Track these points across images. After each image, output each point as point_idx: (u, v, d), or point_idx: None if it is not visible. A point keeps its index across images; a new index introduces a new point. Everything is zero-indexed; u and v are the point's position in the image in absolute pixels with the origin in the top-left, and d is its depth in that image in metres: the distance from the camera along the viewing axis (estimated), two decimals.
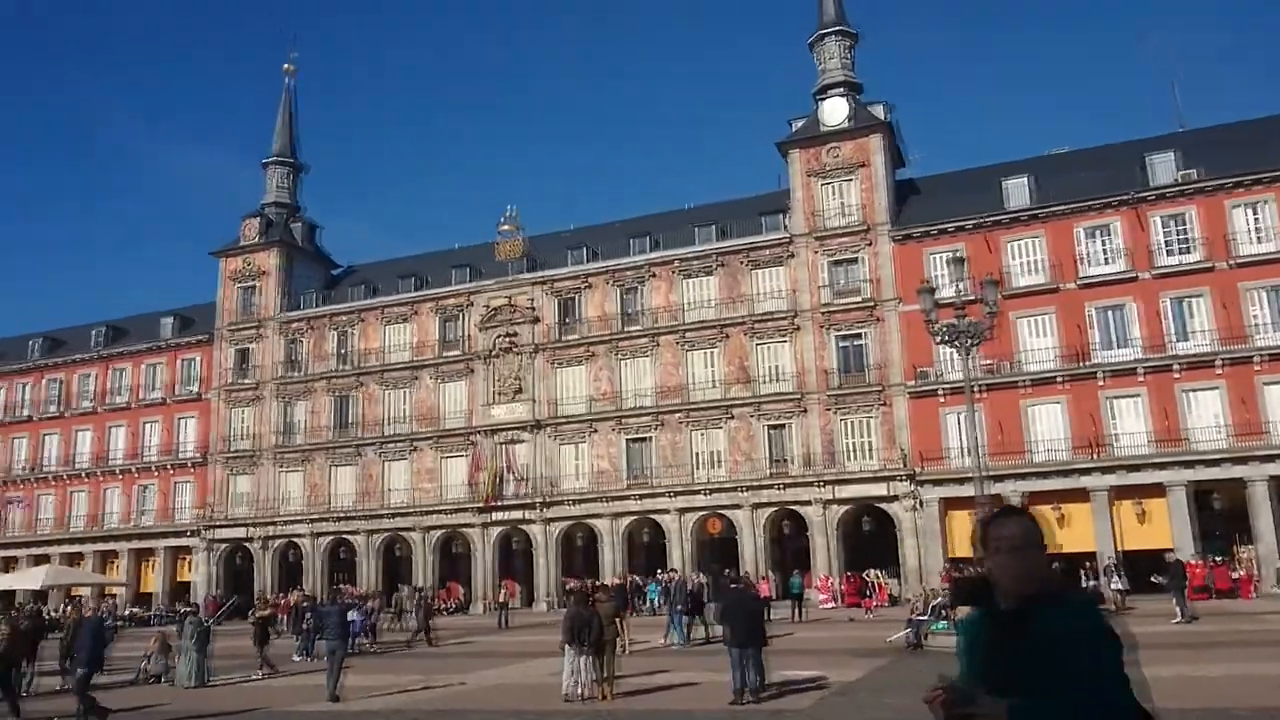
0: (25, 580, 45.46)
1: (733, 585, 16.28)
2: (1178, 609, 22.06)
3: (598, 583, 27.17)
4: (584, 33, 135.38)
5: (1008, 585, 2.88)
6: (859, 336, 40.15)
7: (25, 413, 56.91)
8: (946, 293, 38.88)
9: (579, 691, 13.07)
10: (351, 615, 21.86)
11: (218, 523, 49.60)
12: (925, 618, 18.05)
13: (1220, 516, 34.91)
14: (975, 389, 37.95)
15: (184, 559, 51.57)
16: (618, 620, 13.52)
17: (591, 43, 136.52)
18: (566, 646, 13.12)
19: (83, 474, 54.16)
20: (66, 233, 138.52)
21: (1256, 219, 35.85)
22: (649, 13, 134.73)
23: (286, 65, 57.27)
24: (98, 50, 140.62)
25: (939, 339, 20.06)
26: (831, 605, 34.49)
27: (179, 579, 51.49)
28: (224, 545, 49.75)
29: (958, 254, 22.17)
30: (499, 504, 43.89)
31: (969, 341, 19.23)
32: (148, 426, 53.32)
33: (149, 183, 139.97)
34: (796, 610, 29.00)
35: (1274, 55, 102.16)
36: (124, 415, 54.00)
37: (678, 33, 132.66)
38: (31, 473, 55.56)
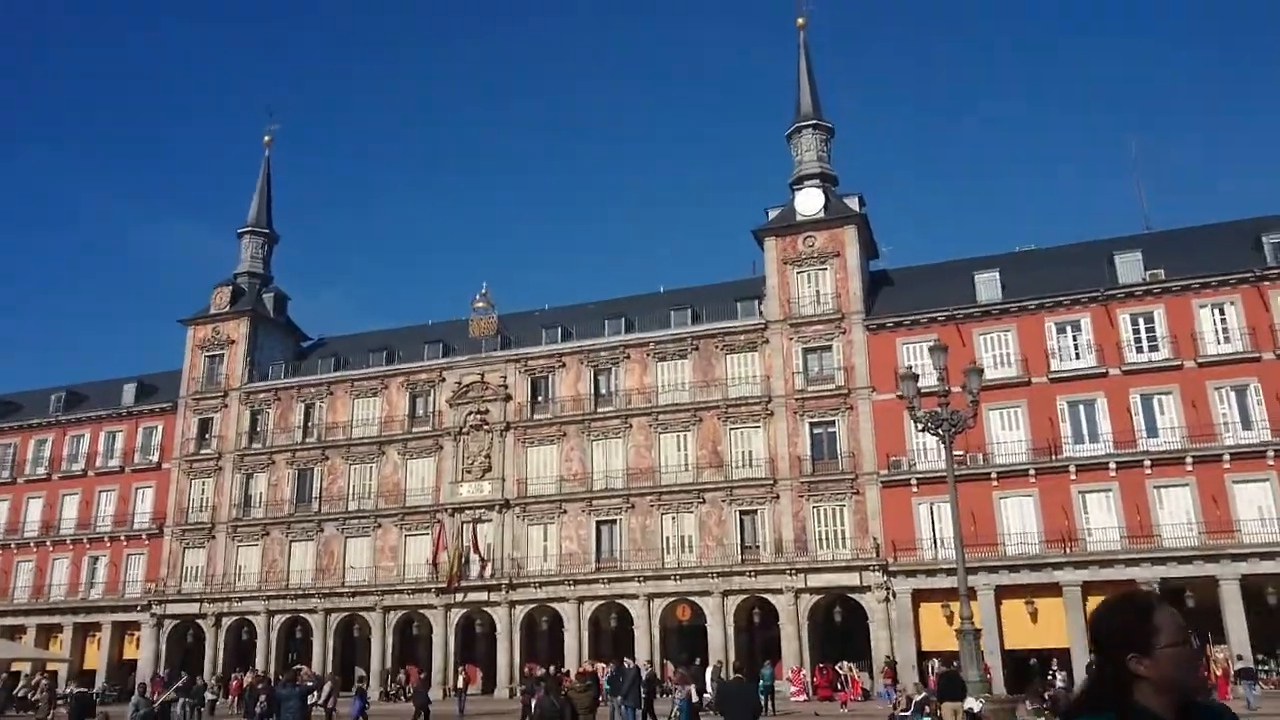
0: None
1: (735, 675, 15.70)
2: None
3: (576, 669, 26.29)
4: (564, 114, 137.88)
5: (1191, 683, 2.54)
6: (832, 424, 40.14)
7: None
8: (922, 381, 39.50)
9: None
10: (311, 699, 20.92)
11: (169, 598, 47.88)
12: (908, 714, 17.56)
13: (1192, 615, 34.69)
14: (946, 480, 38.16)
15: (131, 635, 49.60)
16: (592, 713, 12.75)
17: (571, 125, 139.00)
18: None
19: (30, 543, 52.29)
20: (30, 296, 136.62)
21: (1223, 319, 36.57)
22: (628, 96, 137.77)
23: (265, 137, 57.57)
24: (67, 119, 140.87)
25: (921, 426, 19.93)
26: (803, 698, 33.72)
27: (124, 656, 49.42)
28: (174, 621, 47.96)
29: (936, 343, 22.18)
30: (462, 585, 42.81)
31: (951, 430, 19.12)
32: (102, 495, 51.79)
33: (117, 250, 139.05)
34: (768, 703, 28.20)
35: (1237, 160, 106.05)
36: (78, 483, 52.46)
37: (655, 119, 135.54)
38: None
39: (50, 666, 46.45)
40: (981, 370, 20.84)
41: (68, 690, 27.56)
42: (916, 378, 20.96)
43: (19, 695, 40.87)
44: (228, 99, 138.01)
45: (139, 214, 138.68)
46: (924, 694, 17.98)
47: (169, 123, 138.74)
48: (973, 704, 16.12)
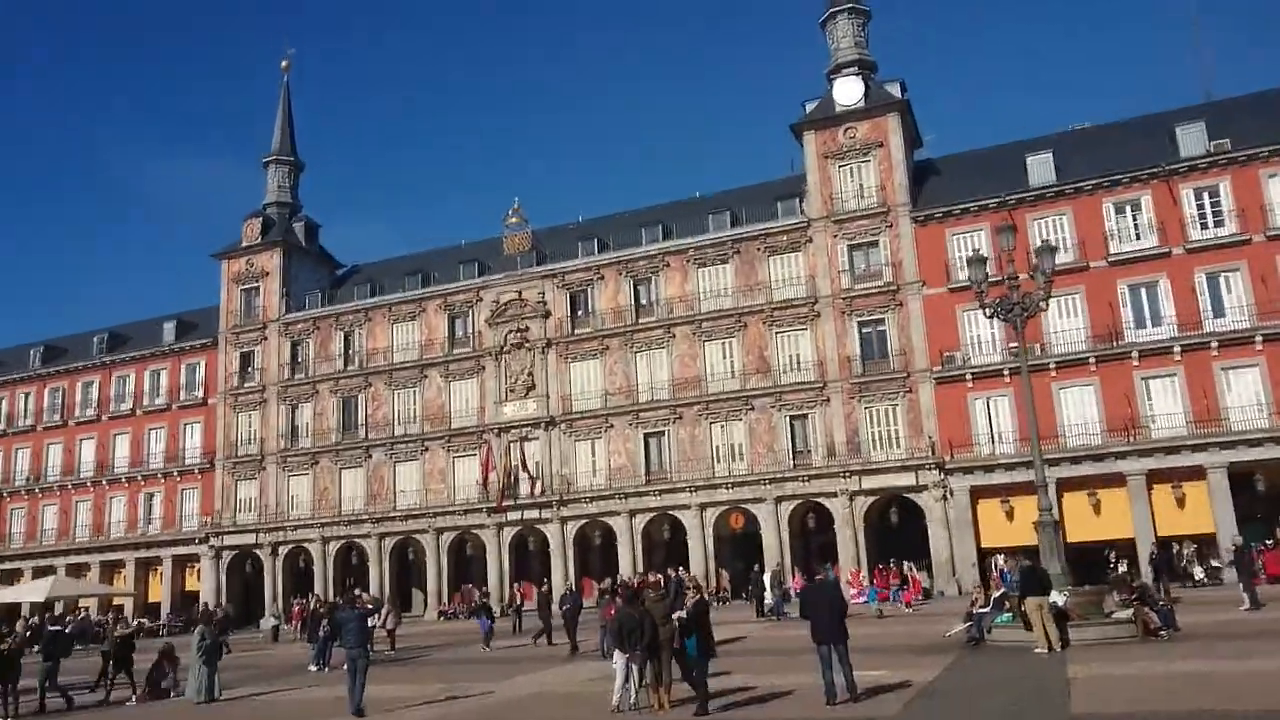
0: (29, 593, 44.55)
1: (816, 577, 15.00)
2: (1245, 596, 20.81)
3: (649, 577, 25.84)
4: (589, 20, 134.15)
5: None
6: (881, 322, 38.93)
7: (28, 422, 55.85)
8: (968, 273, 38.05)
9: (632, 701, 11.85)
10: (371, 622, 20.71)
11: (225, 529, 48.46)
12: (986, 610, 16.86)
13: (1262, 499, 33.64)
14: (1003, 373, 37.03)
15: (191, 568, 50.44)
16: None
17: (597, 30, 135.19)
18: (616, 652, 11.89)
19: (86, 483, 53.05)
20: (65, 242, 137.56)
21: None
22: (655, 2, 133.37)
23: (283, 62, 56.14)
24: (88, 58, 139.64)
25: (990, 313, 18.81)
26: (862, 600, 33.20)
27: (186, 588, 50.35)
28: (232, 553, 48.62)
29: (1004, 224, 20.84)
30: (512, 504, 42.70)
31: (1023, 314, 18.00)
32: (152, 433, 52.20)
33: (148, 188, 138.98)
34: None
35: None
36: (127, 423, 52.90)
37: (684, 19, 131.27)
38: (35, 483, 54.45)
39: (116, 601, 47.61)
40: (1054, 248, 19.56)
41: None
42: (985, 260, 19.69)
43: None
44: (242, 23, 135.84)
45: (165, 150, 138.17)
46: (1002, 589, 17.24)
47: (184, 54, 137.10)
48: (1057, 598, 15.36)
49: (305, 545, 47.08)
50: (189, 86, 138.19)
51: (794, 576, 34.32)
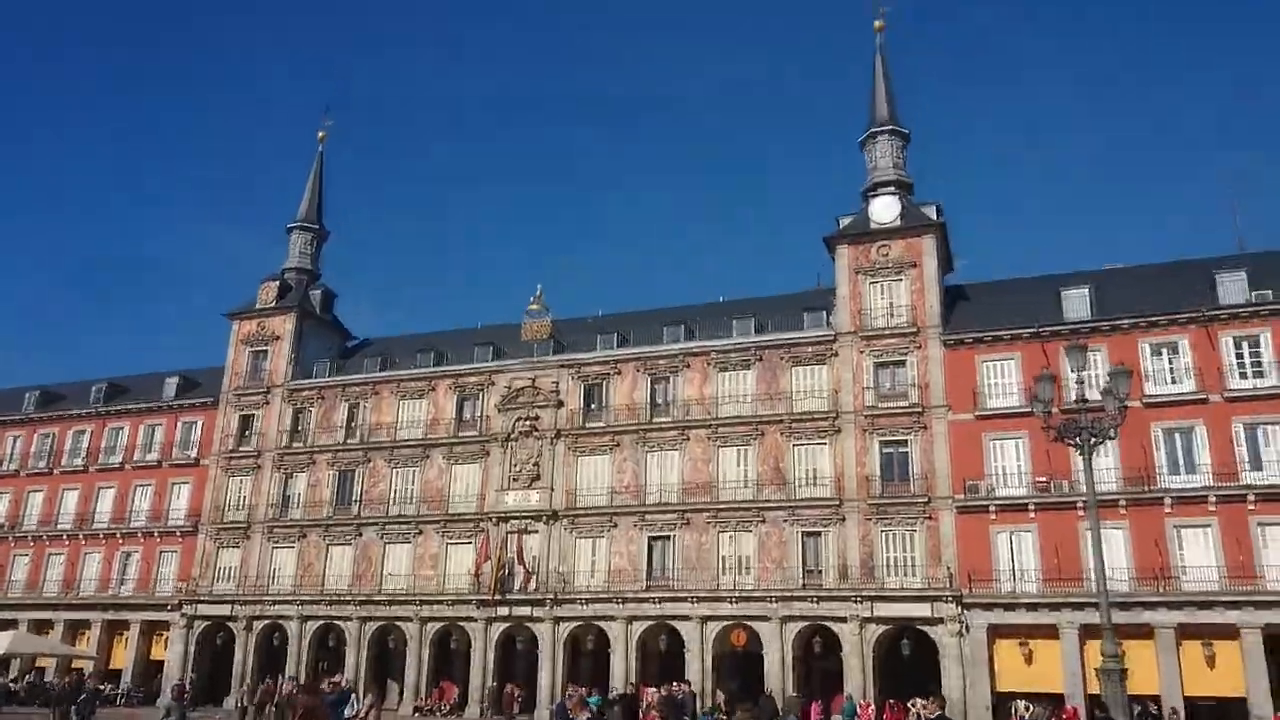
0: None
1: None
2: None
3: (666, 688, 24.01)
4: (624, 118, 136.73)
5: None
6: (904, 444, 37.76)
7: (11, 467, 54.16)
8: (1002, 401, 37.11)
9: None
10: (349, 710, 19.04)
11: (201, 598, 46.28)
12: None
13: None
14: (1028, 507, 35.69)
15: (159, 635, 47.99)
16: None
17: (631, 128, 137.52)
18: None
19: (63, 535, 51.06)
20: (77, 293, 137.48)
21: None
22: (690, 103, 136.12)
23: (320, 132, 56.49)
24: (114, 122, 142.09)
25: (1054, 436, 17.67)
26: None
27: (152, 657, 47.84)
28: (204, 623, 46.33)
29: (1072, 344, 19.85)
30: (505, 598, 40.76)
31: (1090, 440, 16.89)
32: (138, 490, 50.46)
33: (164, 248, 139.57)
34: None
35: None
36: (114, 476, 51.24)
37: (715, 127, 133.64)
38: (9, 531, 52.43)
39: (76, 664, 45.23)
40: (1130, 372, 18.51)
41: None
42: (1053, 379, 18.65)
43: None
44: (274, 95, 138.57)
45: (184, 215, 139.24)
46: None
47: (214, 122, 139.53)
48: None
49: (282, 622, 44.86)
50: (213, 151, 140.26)
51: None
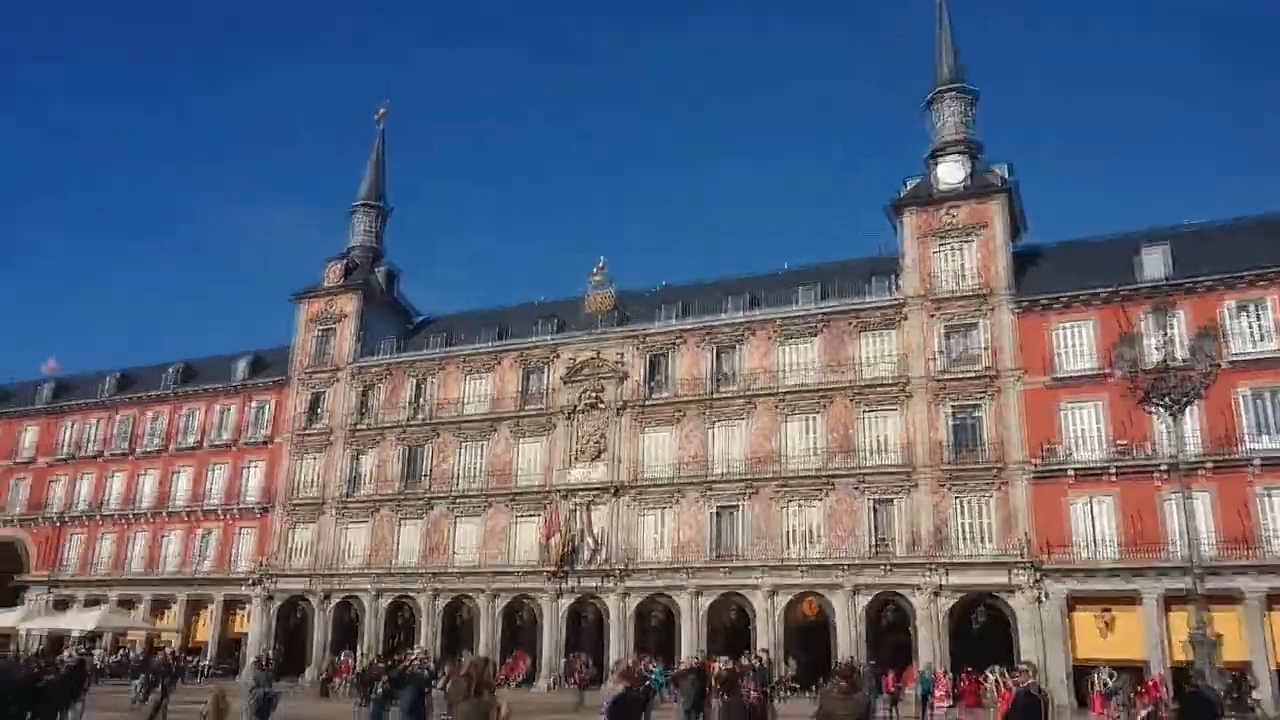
0: (78, 622, 43.90)
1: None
2: None
3: (746, 657, 23.82)
4: (686, 89, 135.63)
5: None
6: (975, 409, 37.00)
7: (94, 449, 55.83)
8: (1076, 365, 36.13)
9: None
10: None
11: (278, 573, 47.37)
12: None
13: None
14: (1108, 472, 34.75)
15: (239, 611, 49.28)
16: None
17: (692, 98, 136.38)
18: None
19: (145, 515, 52.58)
20: (150, 279, 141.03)
21: None
22: (748, 73, 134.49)
23: (379, 111, 56.89)
24: (174, 107, 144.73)
25: (1140, 398, 17.04)
26: (949, 704, 30.82)
27: (233, 631, 49.18)
28: (281, 598, 47.43)
29: (1159, 303, 19.11)
30: (573, 570, 40.96)
31: (1180, 401, 16.26)
32: (214, 470, 51.72)
33: (231, 231, 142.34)
34: (924, 711, 25.56)
35: None
36: (190, 457, 52.55)
37: (776, 96, 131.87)
38: (95, 511, 54.14)
39: (164, 638, 46.76)
40: (1215, 331, 17.79)
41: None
42: (1137, 339, 18.06)
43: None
44: (336, 77, 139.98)
45: (251, 196, 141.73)
46: (1148, 709, 15.22)
47: (279, 112, 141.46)
48: None
49: (357, 596, 45.74)
50: (281, 135, 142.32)
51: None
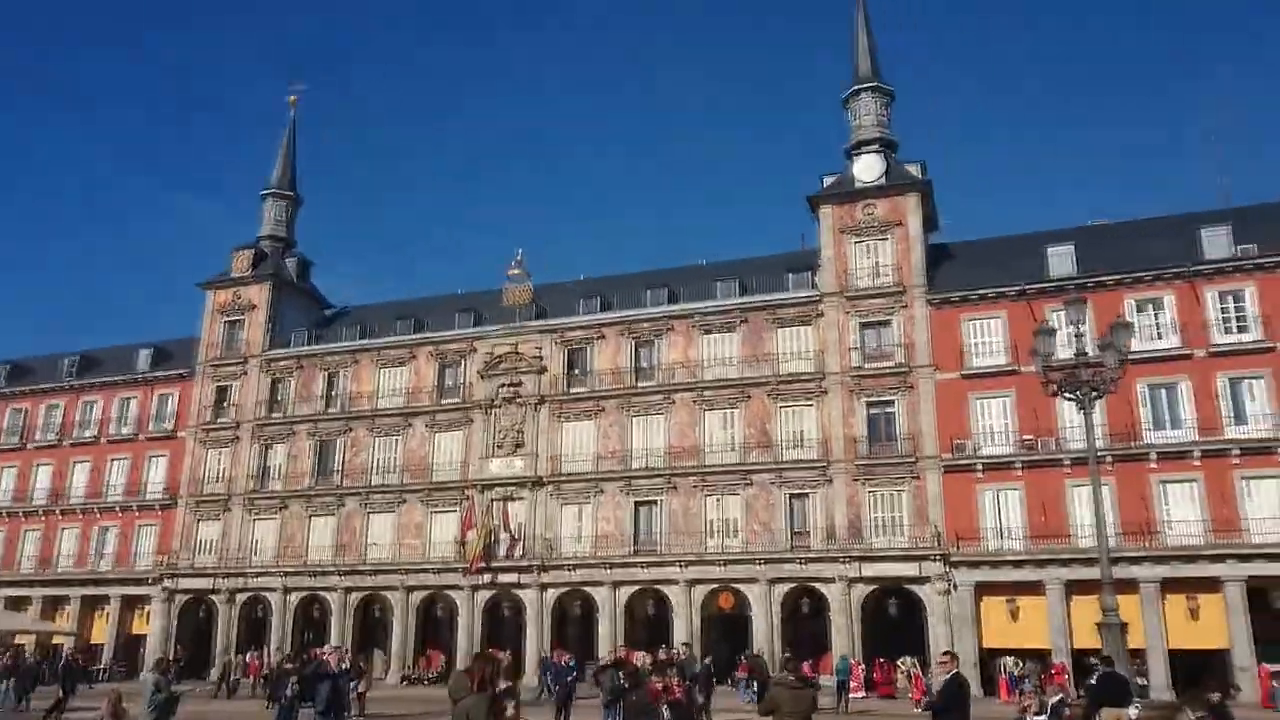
0: None
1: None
2: None
3: (665, 651, 23.75)
4: (603, 78, 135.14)
5: None
6: (890, 404, 37.67)
7: None
8: (987, 360, 37.01)
9: None
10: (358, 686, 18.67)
11: (181, 571, 45.75)
12: (1041, 718, 15.14)
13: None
14: (1015, 465, 35.73)
15: (140, 610, 47.47)
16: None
17: (610, 89, 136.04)
18: None
19: (39, 511, 50.25)
20: (46, 266, 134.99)
21: None
22: (669, 63, 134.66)
23: (290, 97, 55.32)
24: (73, 86, 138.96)
25: (1054, 390, 17.46)
26: (862, 694, 31.32)
27: (133, 631, 47.34)
28: (185, 596, 45.84)
29: (1073, 299, 19.55)
30: (490, 565, 40.49)
31: (1092, 394, 16.70)
32: (114, 464, 49.67)
33: (134, 217, 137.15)
34: (841, 699, 25.89)
35: None
36: (89, 450, 50.38)
37: (698, 88, 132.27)
38: None
39: (56, 640, 44.71)
40: (1129, 324, 18.38)
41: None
42: (1053, 332, 18.44)
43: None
44: (246, 65, 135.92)
45: (154, 184, 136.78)
46: (1059, 694, 15.55)
47: (186, 92, 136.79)
48: (1134, 710, 13.74)
49: (265, 594, 44.46)
50: (189, 120, 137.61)
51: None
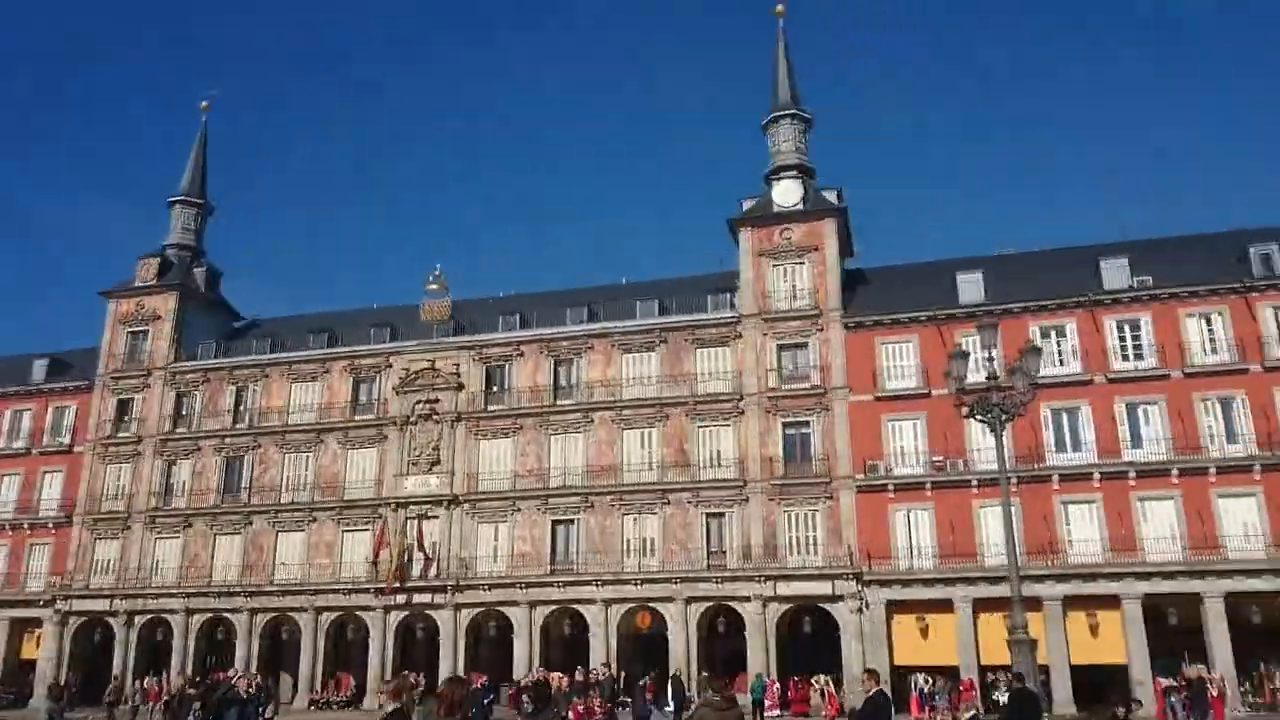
0: None
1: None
2: None
3: (582, 672, 23.52)
4: (525, 98, 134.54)
5: None
6: (806, 425, 38.27)
7: None
8: (900, 383, 37.93)
9: None
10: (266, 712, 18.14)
11: (75, 593, 43.81)
12: None
13: (1174, 633, 33.58)
14: (925, 486, 36.64)
15: (31, 633, 45.29)
16: None
17: (532, 109, 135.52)
18: None
19: None
20: None
21: (1209, 330, 35.79)
22: (593, 81, 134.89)
23: (203, 103, 53.85)
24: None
25: (967, 413, 17.99)
26: (777, 712, 31.63)
27: (23, 656, 45.12)
28: (80, 619, 43.89)
29: (984, 321, 20.21)
30: (404, 586, 39.76)
31: (1003, 417, 17.26)
32: (4, 479, 47.38)
33: (34, 219, 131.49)
34: (757, 716, 26.09)
35: (1208, 174, 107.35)
36: None
37: (620, 107, 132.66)
38: None
39: None
40: (1039, 349, 19.02)
41: None
42: (967, 356, 18.98)
43: None
44: (155, 67, 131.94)
45: (56, 185, 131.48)
46: (972, 711, 15.98)
47: (92, 93, 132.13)
48: None
49: (166, 616, 42.85)
50: (90, 120, 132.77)
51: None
